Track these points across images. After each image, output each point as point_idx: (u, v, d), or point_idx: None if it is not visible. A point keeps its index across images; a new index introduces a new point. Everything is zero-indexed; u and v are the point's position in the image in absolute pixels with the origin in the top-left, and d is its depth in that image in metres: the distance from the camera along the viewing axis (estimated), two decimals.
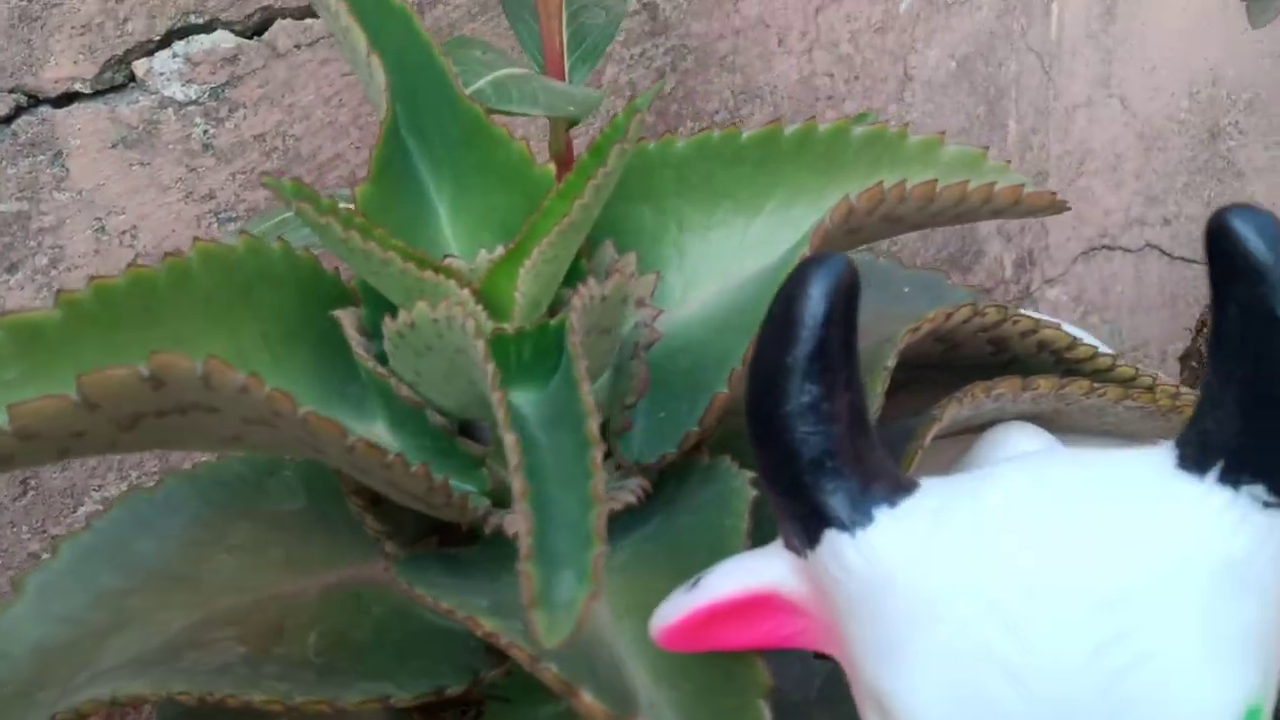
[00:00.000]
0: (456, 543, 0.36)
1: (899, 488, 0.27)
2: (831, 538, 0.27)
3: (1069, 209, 0.39)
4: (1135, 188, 0.96)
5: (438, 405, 0.32)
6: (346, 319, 0.33)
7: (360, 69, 0.34)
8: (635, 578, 0.32)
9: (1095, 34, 0.90)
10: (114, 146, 0.56)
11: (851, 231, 0.34)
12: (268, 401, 0.28)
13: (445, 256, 0.34)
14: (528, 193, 0.34)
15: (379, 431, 0.34)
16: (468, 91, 0.40)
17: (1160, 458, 0.26)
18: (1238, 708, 0.24)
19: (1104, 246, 0.98)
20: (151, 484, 0.38)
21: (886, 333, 0.37)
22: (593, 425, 0.25)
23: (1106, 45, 0.91)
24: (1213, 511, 0.25)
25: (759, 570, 0.28)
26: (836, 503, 0.27)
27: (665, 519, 0.34)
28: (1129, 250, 0.98)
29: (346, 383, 0.35)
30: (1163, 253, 0.98)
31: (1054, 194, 0.38)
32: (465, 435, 0.35)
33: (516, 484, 0.23)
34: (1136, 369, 0.41)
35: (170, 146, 0.57)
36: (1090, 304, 1.01)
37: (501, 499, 0.34)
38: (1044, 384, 0.38)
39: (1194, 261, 0.99)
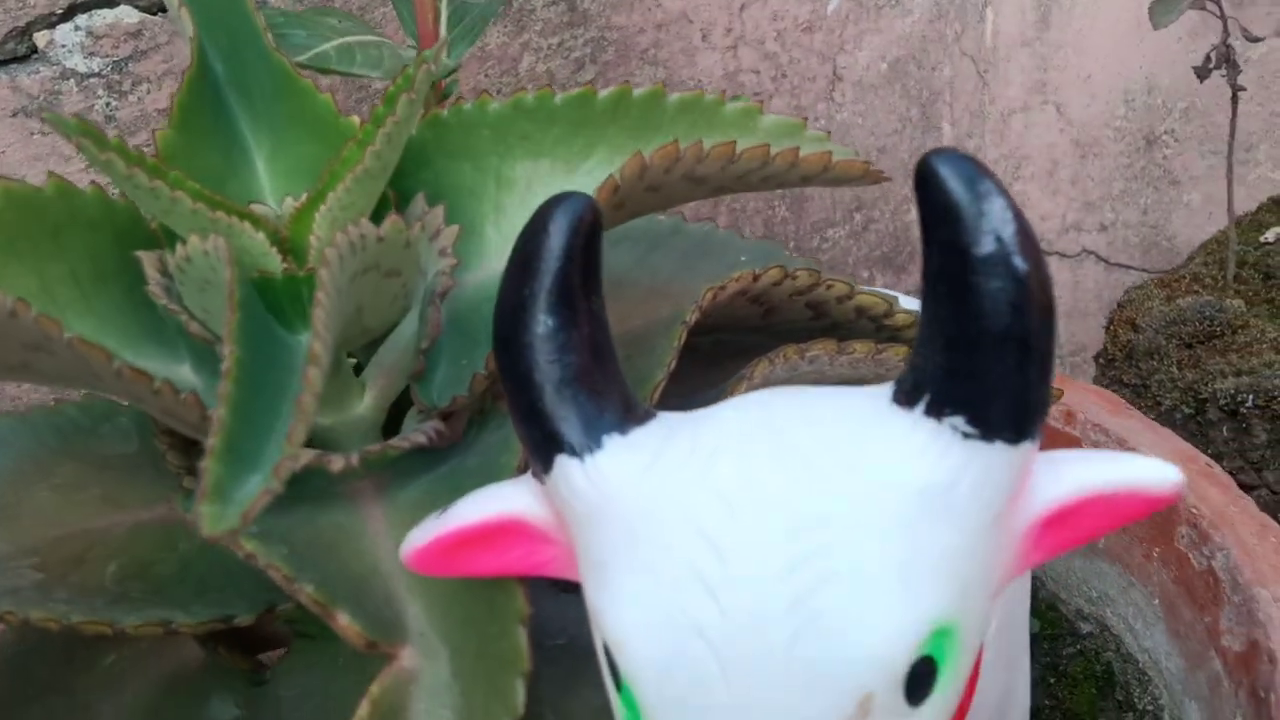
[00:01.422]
0: None
1: (634, 419, 0.28)
2: (563, 462, 0.27)
3: (887, 179, 0.40)
4: (1072, 194, 0.97)
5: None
6: (147, 259, 0.34)
7: (176, 22, 0.36)
8: (421, 515, 0.33)
9: (1030, 40, 0.91)
10: (15, 115, 0.58)
11: (651, 189, 0.35)
12: (35, 325, 0.29)
13: (250, 203, 0.35)
14: (334, 143, 0.35)
15: (185, 371, 0.35)
16: (310, 53, 0.41)
17: (878, 394, 0.27)
18: (922, 626, 0.25)
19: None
20: None
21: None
22: (318, 346, 0.25)
23: (1041, 52, 0.92)
24: (916, 442, 0.26)
25: (506, 498, 0.29)
26: (568, 429, 0.28)
27: (460, 460, 0.35)
28: (1065, 255, 0.99)
29: (162, 327, 0.36)
30: (1099, 259, 0.99)
31: (867, 164, 0.38)
32: None
33: (220, 389, 0.24)
34: None
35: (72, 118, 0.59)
36: None
37: None
38: (860, 348, 0.39)
39: (1131, 268, 1.00)
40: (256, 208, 0.35)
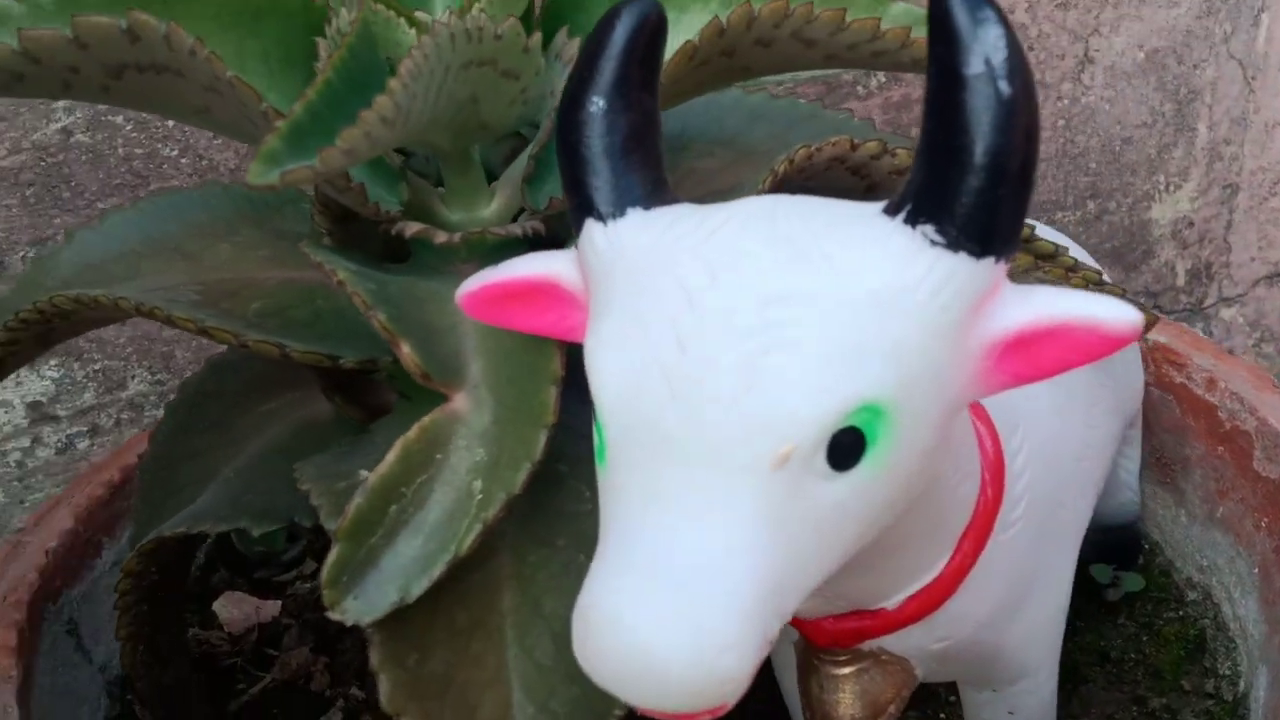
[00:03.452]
0: (396, 260, 0.42)
1: (660, 200, 0.32)
2: (590, 225, 0.32)
3: None
4: None
5: None
6: (323, 44, 0.40)
7: None
8: None
9: None
10: None
11: (760, 43, 0.38)
12: (207, 62, 0.35)
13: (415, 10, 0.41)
14: None
15: None
16: None
17: (875, 206, 0.30)
18: (847, 397, 0.27)
19: None
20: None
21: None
22: (395, 84, 0.30)
23: None
24: (890, 246, 0.28)
25: (548, 262, 0.33)
26: (599, 197, 0.32)
27: None
28: None
29: None
30: None
31: None
32: (416, 169, 0.42)
33: (305, 91, 0.30)
34: (1056, 247, 0.43)
35: None
36: (1268, 331, 0.98)
37: (413, 211, 0.40)
38: None
39: None
40: (419, 14, 0.40)
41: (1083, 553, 0.58)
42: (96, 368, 0.71)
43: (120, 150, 0.67)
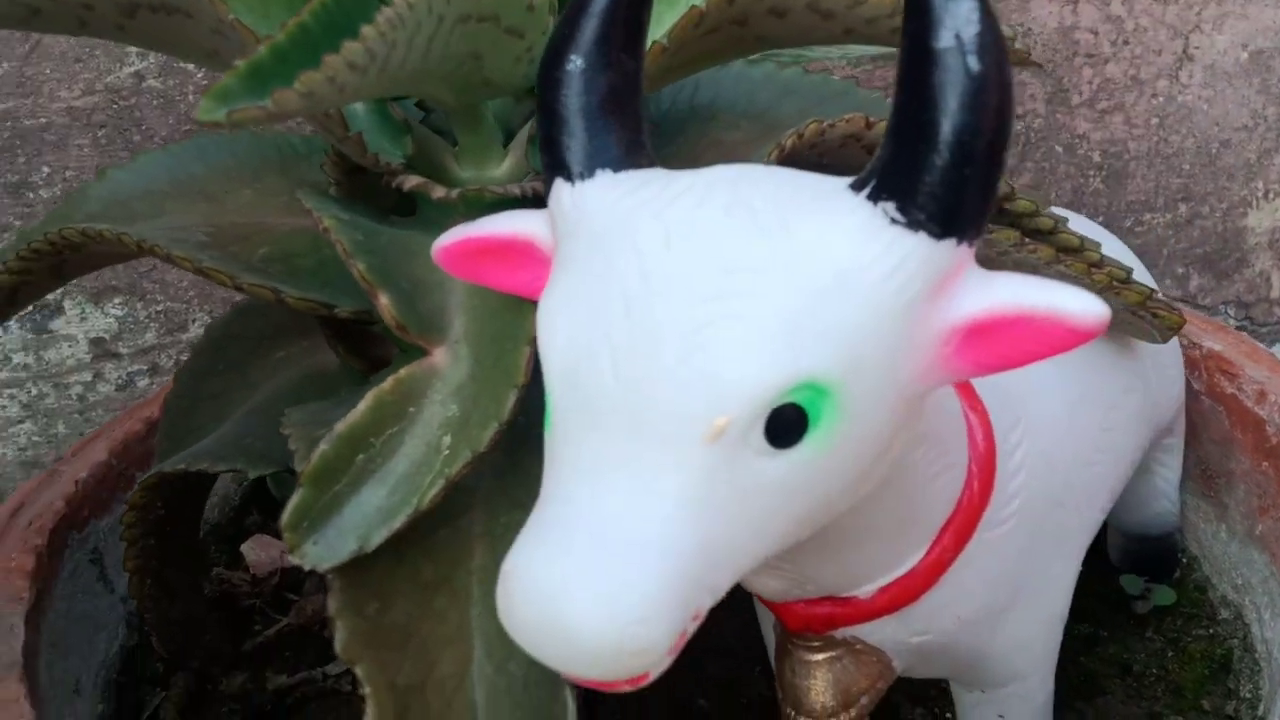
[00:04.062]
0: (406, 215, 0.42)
1: (632, 163, 0.31)
2: (558, 185, 0.31)
3: (1035, 64, 0.40)
4: None
5: None
6: None
7: None
8: None
9: None
10: None
11: (774, 13, 0.38)
12: (211, 4, 0.35)
13: None
14: None
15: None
16: None
17: (841, 182, 0.29)
18: (788, 373, 0.26)
19: None
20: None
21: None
22: (368, 30, 0.30)
23: None
24: (850, 221, 0.28)
25: (524, 220, 0.33)
26: (570, 157, 0.31)
27: None
28: None
29: None
30: None
31: (1011, 40, 0.39)
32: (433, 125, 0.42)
33: (279, 33, 0.30)
34: (1083, 240, 0.41)
35: None
36: None
37: (416, 166, 0.40)
38: None
39: None
40: None
41: (1116, 562, 0.56)
42: (159, 308, 0.72)
43: (191, 96, 0.69)
